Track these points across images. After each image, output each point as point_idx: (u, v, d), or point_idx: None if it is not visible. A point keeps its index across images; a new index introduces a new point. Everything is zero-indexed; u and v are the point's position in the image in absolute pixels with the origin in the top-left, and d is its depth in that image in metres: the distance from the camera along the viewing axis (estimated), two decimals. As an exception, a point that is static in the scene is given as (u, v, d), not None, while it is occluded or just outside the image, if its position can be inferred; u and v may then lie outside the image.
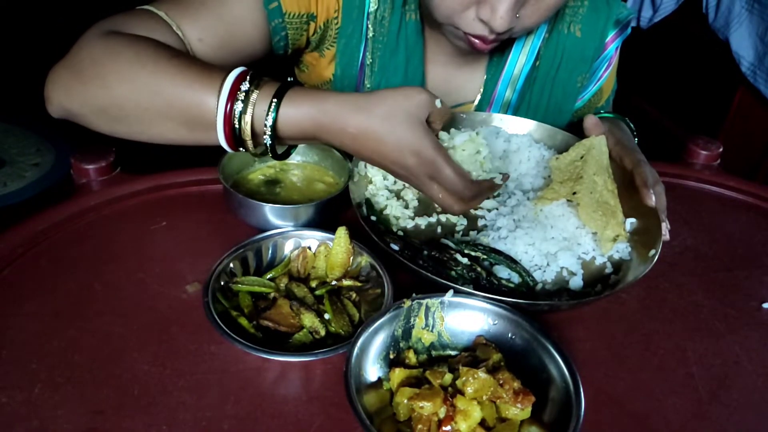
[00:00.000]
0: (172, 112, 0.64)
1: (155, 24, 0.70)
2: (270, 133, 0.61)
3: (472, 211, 0.77)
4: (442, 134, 0.75)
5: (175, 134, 0.66)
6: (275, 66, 0.86)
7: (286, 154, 0.70)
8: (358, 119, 0.62)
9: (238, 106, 0.61)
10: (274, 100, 0.61)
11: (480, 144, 0.77)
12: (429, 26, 0.84)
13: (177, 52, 0.68)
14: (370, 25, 0.83)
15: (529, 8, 0.70)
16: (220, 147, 0.68)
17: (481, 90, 0.92)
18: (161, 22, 0.71)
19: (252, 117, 0.61)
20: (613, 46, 0.93)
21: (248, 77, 0.62)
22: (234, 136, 0.63)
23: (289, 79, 0.67)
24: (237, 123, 0.61)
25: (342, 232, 0.64)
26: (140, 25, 0.69)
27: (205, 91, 0.62)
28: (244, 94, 0.61)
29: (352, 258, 0.65)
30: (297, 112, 0.62)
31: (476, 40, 0.73)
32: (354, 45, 0.84)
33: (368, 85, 0.88)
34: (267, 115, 0.61)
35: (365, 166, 0.79)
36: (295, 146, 0.71)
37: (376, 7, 0.82)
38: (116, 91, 0.64)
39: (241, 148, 0.64)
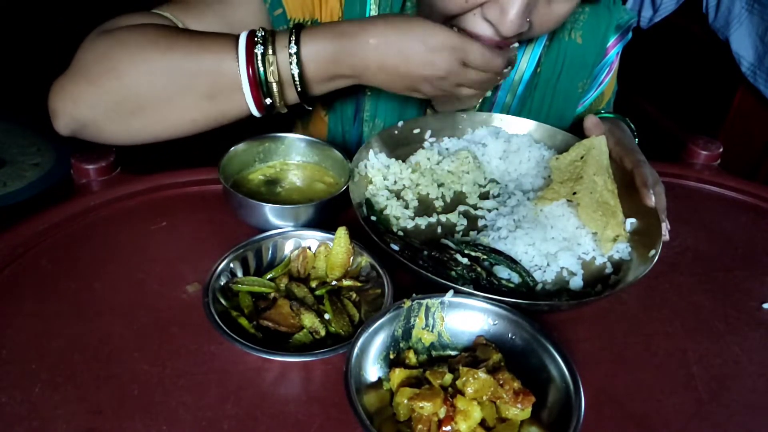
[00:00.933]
0: (192, 84, 0.63)
1: (159, 19, 0.70)
2: (296, 63, 0.62)
3: (472, 211, 0.77)
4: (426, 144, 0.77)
5: (197, 110, 0.65)
6: None
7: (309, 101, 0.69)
8: (377, 27, 0.62)
9: (259, 50, 0.61)
10: (292, 37, 0.62)
11: (469, 165, 0.78)
12: None
13: (184, 29, 0.68)
14: None
15: (539, 16, 0.68)
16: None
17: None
18: (165, 20, 0.70)
19: (276, 60, 0.62)
20: (614, 51, 0.93)
21: (260, 30, 0.63)
22: (259, 89, 0.63)
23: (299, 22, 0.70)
24: (262, 71, 0.62)
25: (342, 232, 0.64)
26: (143, 20, 0.68)
27: (222, 52, 0.62)
28: (261, 41, 0.62)
29: (352, 258, 0.65)
30: (317, 44, 0.62)
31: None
32: None
33: (368, 93, 0.88)
34: (290, 50, 0.61)
35: (365, 167, 0.79)
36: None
37: (375, 12, 0.81)
38: (130, 77, 0.62)
39: (267, 100, 0.64)
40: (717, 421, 0.56)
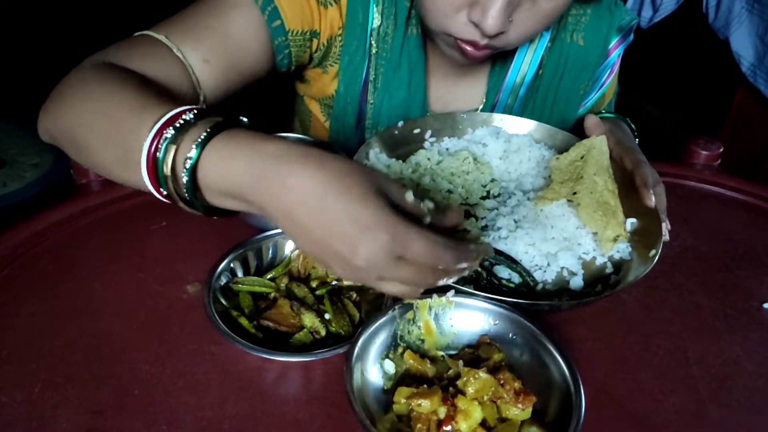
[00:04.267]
0: (109, 140, 0.57)
1: (153, 48, 0.66)
2: (189, 167, 0.49)
3: (472, 211, 0.77)
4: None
5: (116, 170, 0.58)
6: (275, 79, 0.86)
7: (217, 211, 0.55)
8: (306, 169, 0.47)
9: (169, 132, 0.51)
10: (205, 132, 0.50)
11: (469, 165, 0.78)
12: (430, 39, 0.84)
13: (147, 83, 0.62)
14: (373, 42, 0.83)
15: (523, 13, 0.68)
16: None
17: (484, 100, 0.92)
18: (160, 45, 0.67)
19: (175, 152, 0.51)
20: (615, 53, 0.93)
21: (197, 110, 0.52)
22: (156, 176, 0.52)
23: (243, 120, 0.55)
24: (161, 156, 0.51)
25: None
26: (135, 53, 0.65)
27: (145, 121, 0.53)
28: (181, 122, 0.51)
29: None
30: (227, 150, 0.50)
31: (468, 47, 0.71)
32: (358, 62, 0.83)
33: (371, 101, 0.88)
34: (191, 147, 0.50)
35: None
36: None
37: (379, 23, 0.81)
38: (70, 117, 0.60)
39: (162, 191, 0.53)
40: (717, 421, 0.56)
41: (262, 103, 1.00)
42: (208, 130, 0.50)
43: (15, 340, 0.57)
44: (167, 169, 0.51)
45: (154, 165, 0.52)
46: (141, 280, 0.65)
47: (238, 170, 0.49)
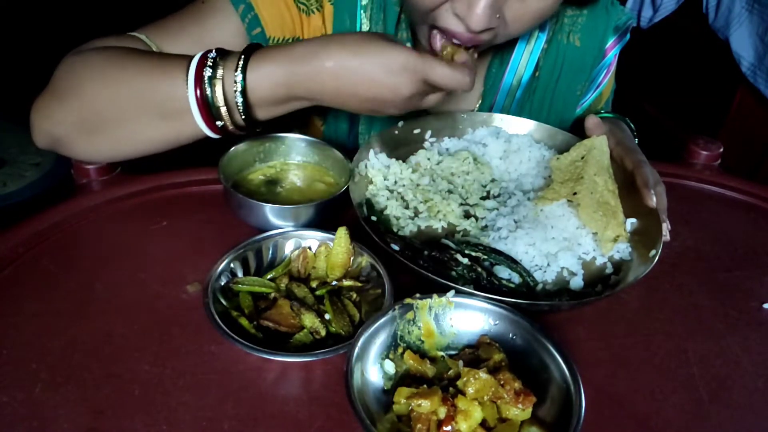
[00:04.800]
0: (144, 103, 0.63)
1: (134, 42, 0.71)
2: (240, 91, 0.59)
3: (473, 212, 0.77)
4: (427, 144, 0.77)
5: (153, 129, 0.65)
6: None
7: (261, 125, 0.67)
8: (332, 49, 0.59)
9: (207, 72, 0.60)
10: (241, 59, 0.60)
11: (469, 166, 0.77)
12: (418, 41, 0.84)
13: (149, 51, 0.68)
14: None
15: (511, 11, 0.67)
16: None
17: (480, 100, 0.92)
18: (140, 42, 0.71)
19: (222, 83, 0.60)
20: (612, 53, 0.93)
21: (214, 50, 0.61)
22: (209, 112, 0.61)
23: (260, 43, 0.66)
24: (209, 93, 0.60)
25: (342, 232, 0.64)
26: (116, 43, 0.69)
27: (173, 71, 0.61)
28: (211, 62, 0.60)
29: (352, 258, 0.65)
30: (265, 68, 0.60)
31: (454, 40, 0.70)
32: None
33: None
34: (235, 76, 0.59)
35: (365, 167, 0.79)
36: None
37: (368, 27, 0.81)
38: (91, 97, 0.64)
39: (218, 123, 0.62)
40: (717, 421, 0.56)
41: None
42: (242, 56, 0.60)
43: (15, 340, 0.57)
44: (220, 101, 0.60)
45: (204, 102, 0.60)
46: (141, 280, 0.65)
47: (282, 78, 0.60)
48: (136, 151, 0.70)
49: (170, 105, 0.62)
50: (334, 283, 0.63)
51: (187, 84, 0.60)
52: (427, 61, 0.60)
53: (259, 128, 0.67)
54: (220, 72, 0.60)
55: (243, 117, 0.62)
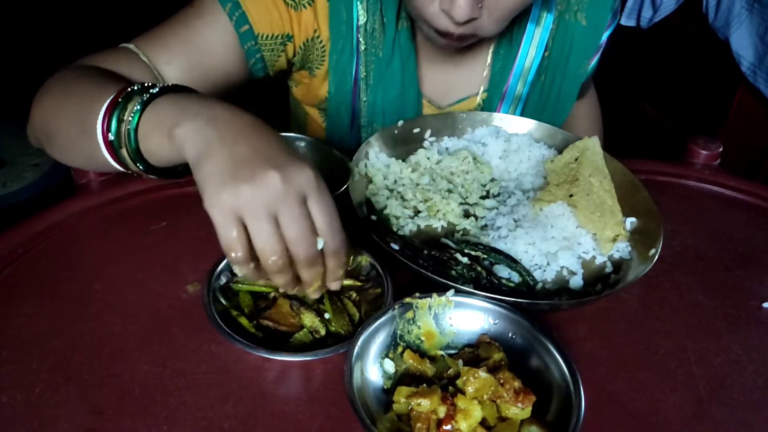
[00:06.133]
0: (77, 125, 0.61)
1: (123, 55, 0.72)
2: (132, 124, 0.54)
3: (472, 211, 0.77)
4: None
5: (85, 155, 0.64)
6: (269, 83, 0.87)
7: (173, 173, 0.59)
8: (233, 108, 0.52)
9: (120, 105, 0.56)
10: (152, 91, 0.55)
11: (469, 165, 0.77)
12: (419, 30, 0.84)
13: (113, 75, 0.68)
14: (361, 38, 0.82)
15: (492, 1, 0.67)
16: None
17: (485, 84, 0.91)
18: (130, 52, 0.73)
19: (125, 114, 0.55)
20: (606, 33, 0.94)
21: (137, 85, 0.56)
22: (113, 148, 0.57)
23: (192, 89, 0.60)
24: (114, 125, 0.56)
25: None
26: (107, 59, 0.71)
27: (103, 97, 0.58)
28: (129, 93, 0.56)
29: (352, 258, 0.65)
30: (165, 104, 0.54)
31: (442, 39, 0.71)
32: (346, 60, 0.83)
33: (364, 99, 0.87)
34: (135, 106, 0.55)
35: (365, 166, 0.79)
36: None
37: (365, 19, 0.81)
38: (44, 112, 0.67)
39: (118, 164, 0.58)
40: (717, 420, 0.56)
41: (259, 104, 1.00)
42: (152, 91, 0.55)
43: (15, 340, 0.57)
44: (112, 135, 0.56)
45: (107, 131, 0.57)
46: (141, 280, 0.65)
47: (168, 117, 0.52)
48: (83, 165, 0.71)
49: (91, 128, 0.59)
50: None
51: (103, 105, 0.57)
52: (323, 185, 0.50)
53: (161, 175, 0.59)
54: (129, 105, 0.56)
55: (132, 149, 0.56)
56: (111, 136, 0.57)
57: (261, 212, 0.47)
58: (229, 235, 0.48)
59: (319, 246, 0.50)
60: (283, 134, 0.79)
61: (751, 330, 0.67)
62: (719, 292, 0.72)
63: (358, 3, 0.80)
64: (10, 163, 1.84)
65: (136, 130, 0.55)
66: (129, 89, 0.57)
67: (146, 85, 0.57)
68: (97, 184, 0.79)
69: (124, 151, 0.57)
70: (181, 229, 0.74)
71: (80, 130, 0.61)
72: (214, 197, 0.47)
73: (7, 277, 0.64)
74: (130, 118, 0.54)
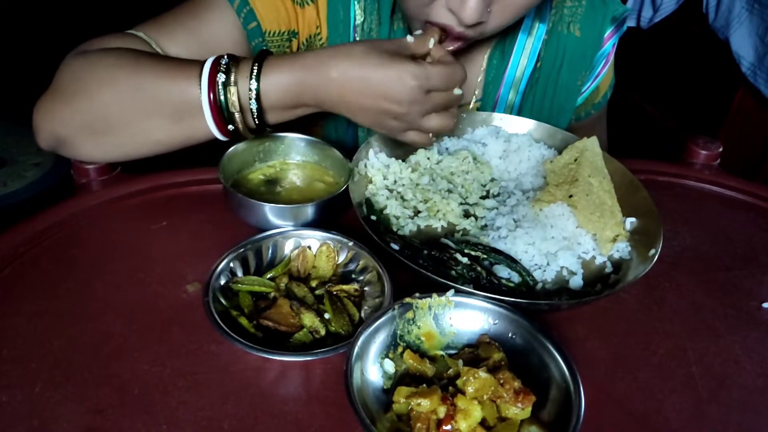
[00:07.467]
0: (156, 106, 0.65)
1: (133, 40, 0.72)
2: (255, 97, 0.62)
3: (472, 211, 0.77)
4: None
5: (162, 131, 0.66)
6: None
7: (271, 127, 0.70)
8: (339, 62, 0.62)
9: (221, 78, 0.62)
10: (255, 65, 0.62)
11: (469, 165, 0.78)
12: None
13: (156, 53, 0.70)
14: (358, 38, 0.83)
15: (499, 3, 0.68)
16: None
17: (477, 91, 0.92)
18: (139, 40, 0.73)
19: (237, 89, 0.63)
20: (610, 42, 0.94)
21: (225, 56, 0.64)
22: (221, 115, 0.64)
23: (269, 50, 0.69)
24: (222, 98, 0.63)
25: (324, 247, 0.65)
26: (118, 43, 0.71)
27: (186, 76, 0.63)
28: (224, 67, 0.63)
29: (351, 257, 0.65)
30: (279, 74, 0.63)
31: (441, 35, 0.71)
32: None
33: None
34: (250, 84, 0.62)
35: (365, 166, 0.79)
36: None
37: (362, 19, 0.81)
38: (99, 97, 0.65)
39: (230, 127, 0.65)
40: (717, 420, 0.56)
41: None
42: (256, 63, 0.63)
43: (15, 340, 0.57)
44: (235, 105, 0.63)
45: (216, 106, 0.63)
46: (141, 280, 0.65)
47: (292, 86, 0.63)
48: (143, 152, 0.71)
49: (182, 109, 0.64)
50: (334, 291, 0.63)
51: (200, 88, 0.63)
52: (424, 67, 0.62)
53: (267, 131, 0.70)
54: (233, 78, 0.63)
55: (256, 122, 0.65)
56: (224, 106, 0.64)
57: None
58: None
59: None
60: (283, 134, 0.80)
61: (751, 330, 0.67)
62: (719, 292, 0.72)
63: (356, 2, 0.80)
64: (10, 163, 1.84)
65: (258, 94, 0.63)
66: (216, 67, 0.63)
67: (224, 58, 0.64)
68: (98, 183, 0.79)
69: (237, 116, 0.64)
70: (181, 229, 0.74)
71: (166, 111, 0.64)
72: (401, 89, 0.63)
73: (7, 277, 0.64)
74: (252, 88, 0.63)
